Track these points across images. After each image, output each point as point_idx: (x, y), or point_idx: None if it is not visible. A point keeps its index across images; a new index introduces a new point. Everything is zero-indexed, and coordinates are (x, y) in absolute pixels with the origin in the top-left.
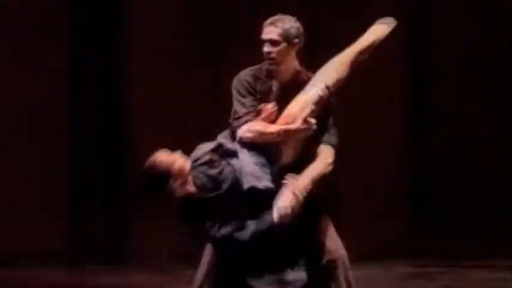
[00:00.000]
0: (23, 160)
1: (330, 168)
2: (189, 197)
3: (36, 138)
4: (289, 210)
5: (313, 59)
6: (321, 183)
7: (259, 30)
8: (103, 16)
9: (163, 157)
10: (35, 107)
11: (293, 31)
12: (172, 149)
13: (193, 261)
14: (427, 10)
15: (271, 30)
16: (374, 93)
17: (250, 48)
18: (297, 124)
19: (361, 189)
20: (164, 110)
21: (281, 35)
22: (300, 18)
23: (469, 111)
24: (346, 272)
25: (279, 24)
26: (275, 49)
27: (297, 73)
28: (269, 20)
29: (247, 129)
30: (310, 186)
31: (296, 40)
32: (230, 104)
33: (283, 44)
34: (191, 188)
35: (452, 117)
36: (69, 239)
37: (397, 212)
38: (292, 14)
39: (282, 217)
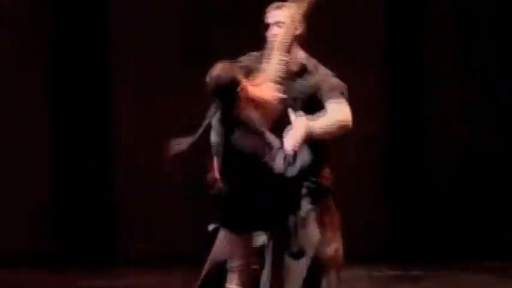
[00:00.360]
0: (17, 160)
1: (348, 123)
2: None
3: (31, 139)
4: (296, 140)
5: None
6: (333, 134)
7: (257, 30)
8: (95, 17)
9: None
10: (30, 108)
11: (298, 16)
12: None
13: (193, 261)
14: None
15: (278, 13)
16: (360, 91)
17: (246, 48)
18: (265, 93)
19: (345, 191)
20: (159, 111)
21: (288, 17)
22: None
23: (465, 111)
24: (328, 276)
25: (285, 8)
26: (281, 30)
27: (302, 66)
28: (274, 5)
29: (223, 64)
30: (321, 130)
31: (300, 25)
32: None
33: (289, 26)
34: (240, 114)
35: (447, 117)
36: (63, 240)
37: (381, 214)
38: None
39: (290, 146)
